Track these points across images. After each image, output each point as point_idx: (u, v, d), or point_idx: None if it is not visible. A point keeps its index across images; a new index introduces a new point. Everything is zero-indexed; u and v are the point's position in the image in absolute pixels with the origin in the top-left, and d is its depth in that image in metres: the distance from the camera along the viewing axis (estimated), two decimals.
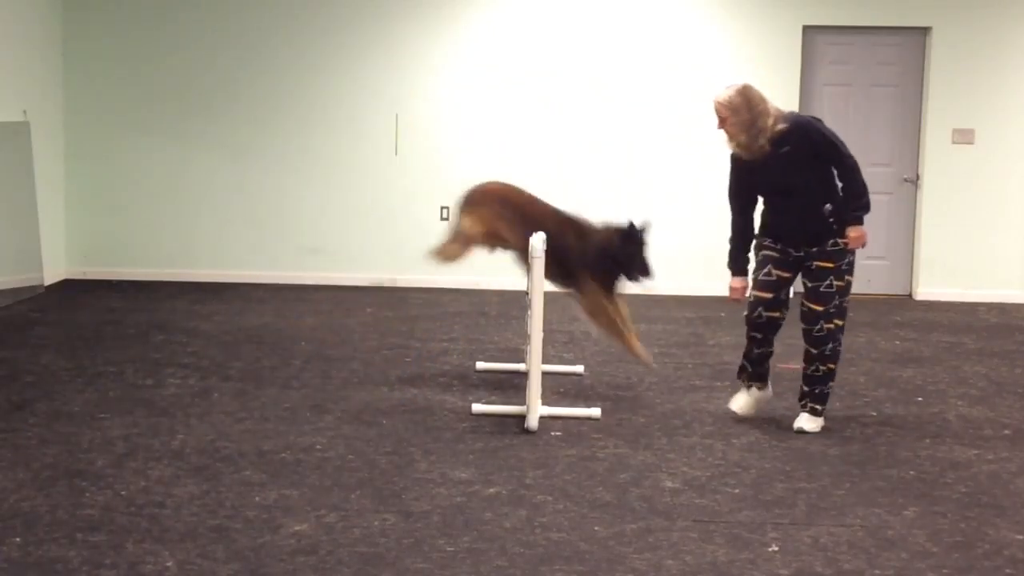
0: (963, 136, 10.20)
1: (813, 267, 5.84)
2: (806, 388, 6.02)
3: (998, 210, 10.27)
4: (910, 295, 10.40)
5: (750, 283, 6.03)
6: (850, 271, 5.84)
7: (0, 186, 9.08)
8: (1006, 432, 6.03)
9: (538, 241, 6.02)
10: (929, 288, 10.30)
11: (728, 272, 6.05)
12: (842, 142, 5.82)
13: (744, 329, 6.05)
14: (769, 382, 6.24)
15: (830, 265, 5.78)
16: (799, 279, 5.99)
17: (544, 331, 6.06)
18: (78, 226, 10.38)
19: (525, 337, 6.48)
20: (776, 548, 4.32)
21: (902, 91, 10.31)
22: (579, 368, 7.11)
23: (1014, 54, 10.19)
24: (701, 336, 8.34)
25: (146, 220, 10.40)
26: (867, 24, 10.21)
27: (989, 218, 10.27)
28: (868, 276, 10.46)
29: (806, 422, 5.96)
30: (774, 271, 5.93)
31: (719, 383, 6.88)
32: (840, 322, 5.90)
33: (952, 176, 10.23)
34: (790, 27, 10.16)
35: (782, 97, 10.16)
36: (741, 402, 6.17)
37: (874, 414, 6.31)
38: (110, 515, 4.48)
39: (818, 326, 5.88)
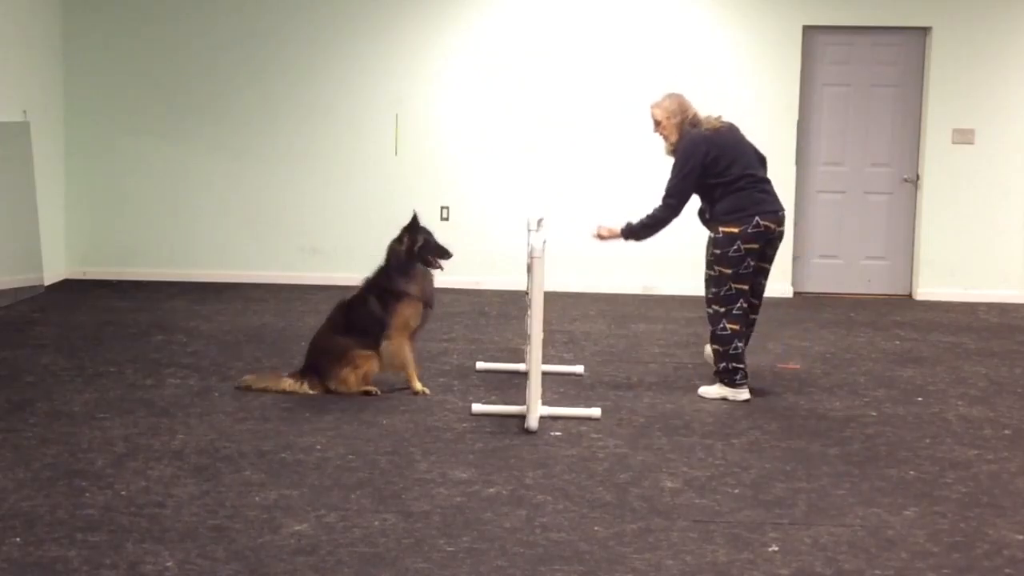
0: (963, 136, 10.20)
1: None
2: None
3: (998, 210, 10.27)
4: (910, 295, 10.40)
5: None
6: (719, 262, 6.36)
7: (0, 186, 9.08)
8: (1006, 432, 6.03)
9: (538, 240, 6.02)
10: (929, 288, 10.30)
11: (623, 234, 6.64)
12: (680, 170, 6.42)
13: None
14: None
15: (707, 256, 6.48)
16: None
17: (544, 331, 6.07)
18: (78, 226, 10.38)
19: (525, 337, 6.48)
20: (776, 548, 4.31)
21: (902, 91, 10.32)
22: (579, 368, 7.11)
23: (1014, 54, 10.19)
24: (701, 336, 8.32)
25: (146, 220, 10.40)
26: (867, 24, 10.21)
27: (989, 218, 10.27)
28: (868, 276, 10.49)
29: (703, 389, 6.60)
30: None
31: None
32: (718, 308, 6.40)
33: (952, 176, 10.23)
34: (790, 27, 10.16)
35: (782, 97, 10.22)
36: (747, 391, 6.53)
37: (874, 414, 6.31)
38: (110, 515, 4.48)
39: (707, 308, 6.52)
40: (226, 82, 10.29)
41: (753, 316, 6.60)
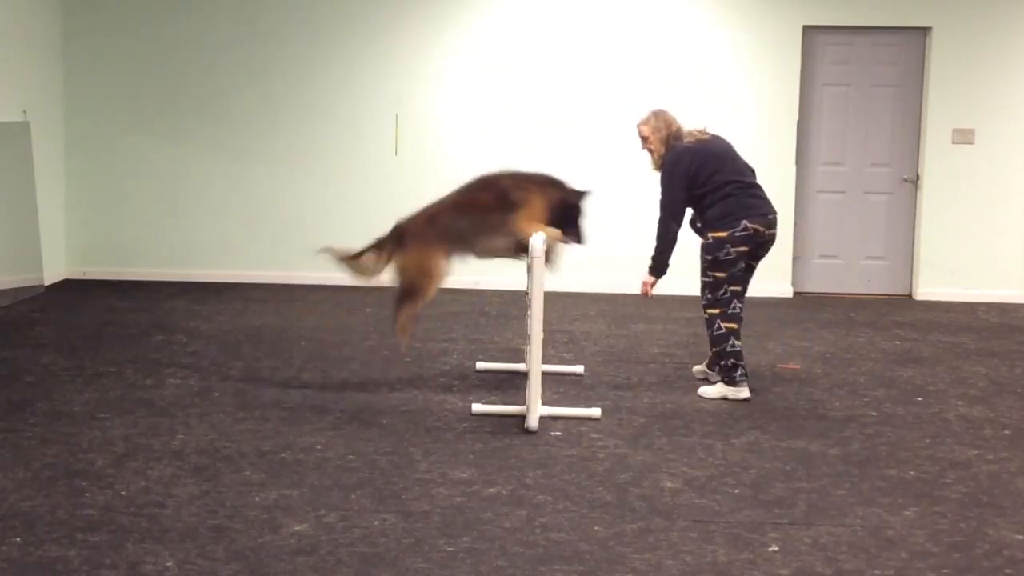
0: (963, 136, 10.20)
1: None
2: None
3: (998, 210, 10.27)
4: (910, 295, 10.40)
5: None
6: (712, 268, 6.51)
7: (0, 186, 9.08)
8: (1006, 432, 6.03)
9: (538, 241, 6.02)
10: (929, 288, 10.30)
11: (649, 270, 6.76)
12: (667, 185, 6.58)
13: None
14: None
15: (701, 263, 6.62)
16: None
17: (544, 331, 6.07)
18: (78, 226, 10.38)
19: (525, 337, 6.48)
20: (776, 548, 4.32)
21: (902, 91, 10.32)
22: (579, 368, 7.11)
23: (1014, 54, 10.19)
24: (701, 336, 8.31)
25: (146, 220, 10.40)
26: (867, 24, 10.21)
27: (989, 218, 10.27)
28: (868, 276, 10.48)
29: (703, 390, 6.63)
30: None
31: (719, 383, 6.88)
32: (714, 311, 6.54)
33: (952, 176, 10.23)
34: (790, 27, 10.16)
35: (782, 97, 10.21)
36: (747, 390, 6.58)
37: (874, 414, 6.31)
38: (110, 515, 4.48)
39: (704, 312, 6.67)
40: (226, 82, 10.29)
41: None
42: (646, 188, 10.21)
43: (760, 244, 6.52)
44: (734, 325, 6.49)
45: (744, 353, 6.58)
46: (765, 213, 6.51)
